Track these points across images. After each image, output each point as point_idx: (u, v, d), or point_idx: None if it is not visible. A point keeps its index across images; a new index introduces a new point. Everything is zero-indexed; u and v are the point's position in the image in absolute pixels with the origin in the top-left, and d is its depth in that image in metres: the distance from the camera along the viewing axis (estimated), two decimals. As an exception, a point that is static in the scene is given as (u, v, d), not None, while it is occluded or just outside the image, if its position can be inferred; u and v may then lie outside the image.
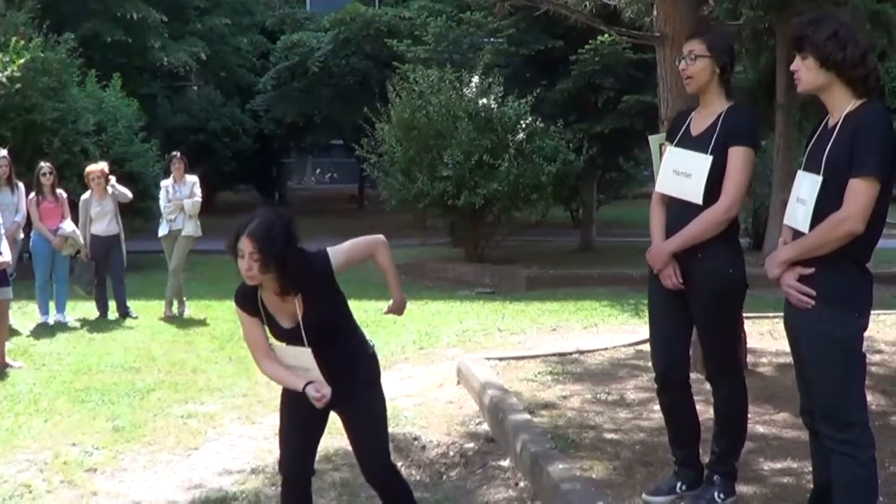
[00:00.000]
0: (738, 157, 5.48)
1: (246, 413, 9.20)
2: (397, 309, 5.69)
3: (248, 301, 5.27)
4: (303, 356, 5.17)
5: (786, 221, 4.95)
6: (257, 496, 7.04)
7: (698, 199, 5.50)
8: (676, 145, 5.78)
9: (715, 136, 5.54)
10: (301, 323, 5.15)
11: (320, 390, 5.08)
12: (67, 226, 14.08)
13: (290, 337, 5.21)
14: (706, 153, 5.52)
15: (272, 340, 5.35)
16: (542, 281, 17.91)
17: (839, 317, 4.59)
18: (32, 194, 14.13)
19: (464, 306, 15.40)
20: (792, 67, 4.77)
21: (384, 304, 14.93)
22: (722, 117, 5.59)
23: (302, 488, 5.55)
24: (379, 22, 31.62)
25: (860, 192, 4.46)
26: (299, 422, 5.38)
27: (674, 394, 5.88)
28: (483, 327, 13.38)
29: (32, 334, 13.23)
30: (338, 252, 5.22)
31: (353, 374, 5.28)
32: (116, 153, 20.85)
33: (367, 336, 5.58)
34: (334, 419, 5.47)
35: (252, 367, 9.71)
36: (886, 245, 18.97)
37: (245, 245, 4.94)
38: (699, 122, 5.73)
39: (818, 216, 4.58)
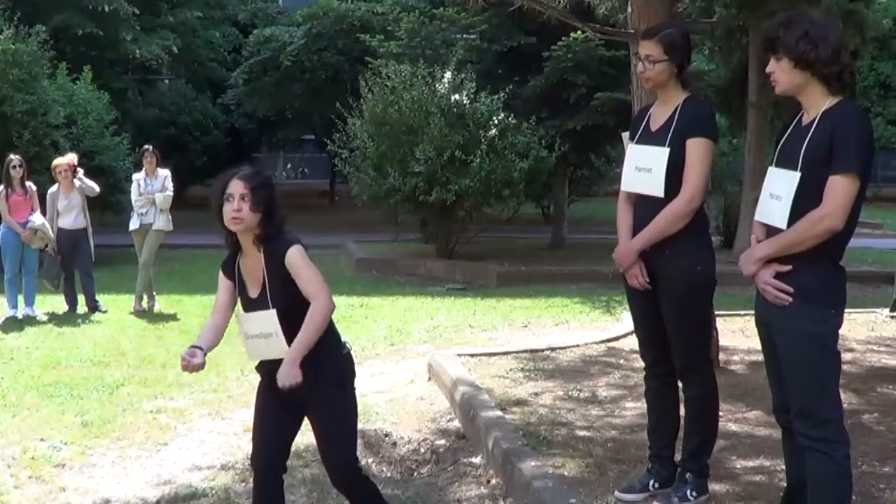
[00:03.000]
0: (696, 148, 5.51)
1: (216, 408, 9.16)
2: (281, 375, 5.10)
3: (229, 264, 5.36)
4: (267, 320, 5.17)
5: (757, 217, 4.96)
6: (227, 492, 7.00)
7: (660, 192, 5.53)
8: (637, 142, 5.80)
9: (672, 128, 5.57)
10: (267, 285, 5.18)
11: (191, 357, 5.11)
12: (37, 219, 14.01)
13: (256, 305, 5.24)
14: (664, 146, 5.53)
15: (238, 311, 5.37)
16: (513, 277, 17.91)
17: (816, 313, 4.61)
18: (1, 187, 14.05)
19: (435, 302, 15.39)
20: (767, 70, 4.80)
21: (354, 300, 14.90)
22: (679, 109, 5.61)
23: (274, 485, 5.50)
24: (352, 17, 31.46)
25: (841, 189, 4.47)
26: (273, 418, 5.34)
27: (661, 380, 5.91)
28: (454, 323, 13.37)
29: (0, 328, 13.14)
30: (299, 258, 5.14)
31: (319, 375, 5.22)
32: (87, 146, 20.70)
33: (343, 338, 5.53)
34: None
35: (222, 362, 9.69)
36: (859, 244, 19.12)
37: (236, 187, 5.06)
38: (658, 117, 5.76)
39: (796, 212, 4.58)
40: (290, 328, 5.13)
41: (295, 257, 5.10)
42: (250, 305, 5.28)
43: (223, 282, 5.39)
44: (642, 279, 5.62)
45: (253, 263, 5.23)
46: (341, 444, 5.37)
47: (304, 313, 5.13)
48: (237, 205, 5.03)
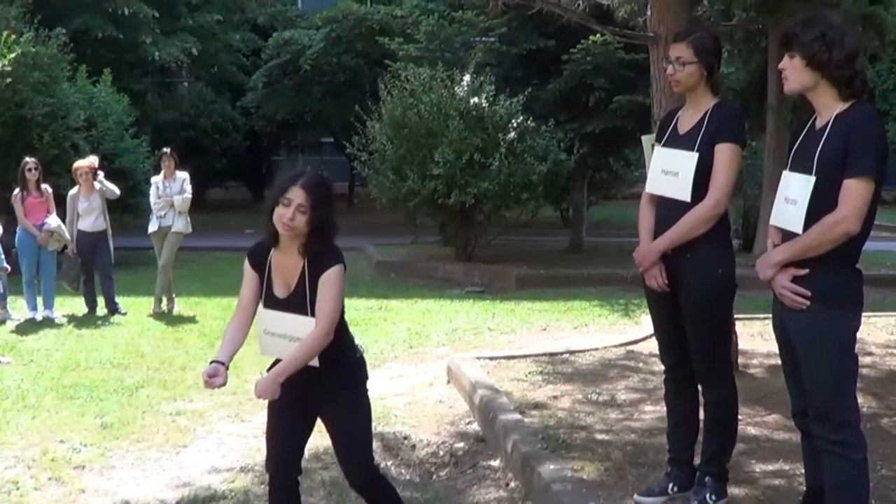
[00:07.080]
0: (724, 153, 5.49)
1: (235, 411, 9.17)
2: (260, 387, 5.10)
3: (258, 256, 5.23)
4: (302, 325, 5.07)
5: (772, 222, 4.96)
6: (246, 495, 7.01)
7: (686, 196, 5.51)
8: (664, 145, 5.80)
9: (701, 133, 5.56)
10: (307, 293, 5.05)
11: (213, 375, 5.01)
12: (53, 221, 14.06)
13: (282, 306, 5.15)
14: (693, 150, 5.52)
15: (260, 309, 5.26)
16: (532, 280, 17.89)
17: (834, 316, 4.61)
18: (17, 190, 14.10)
19: (454, 305, 15.38)
20: (780, 66, 4.84)
21: (373, 303, 14.89)
22: (708, 114, 5.61)
23: (289, 488, 5.50)
24: (371, 20, 31.48)
25: (856, 193, 4.48)
26: (286, 421, 5.33)
27: (681, 383, 5.90)
28: (473, 326, 13.36)
29: (20, 330, 13.19)
30: (335, 280, 5.04)
31: (331, 379, 5.22)
32: (106, 149, 20.79)
33: (357, 341, 5.52)
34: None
35: (241, 364, 9.68)
36: (878, 247, 19.05)
37: (296, 195, 4.91)
38: (686, 121, 5.75)
39: (811, 216, 4.59)
40: None
41: (331, 278, 5.01)
42: (275, 304, 5.18)
43: (250, 274, 5.25)
44: (661, 280, 5.61)
45: (291, 264, 5.11)
46: (355, 446, 5.37)
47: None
48: (292, 213, 4.89)
